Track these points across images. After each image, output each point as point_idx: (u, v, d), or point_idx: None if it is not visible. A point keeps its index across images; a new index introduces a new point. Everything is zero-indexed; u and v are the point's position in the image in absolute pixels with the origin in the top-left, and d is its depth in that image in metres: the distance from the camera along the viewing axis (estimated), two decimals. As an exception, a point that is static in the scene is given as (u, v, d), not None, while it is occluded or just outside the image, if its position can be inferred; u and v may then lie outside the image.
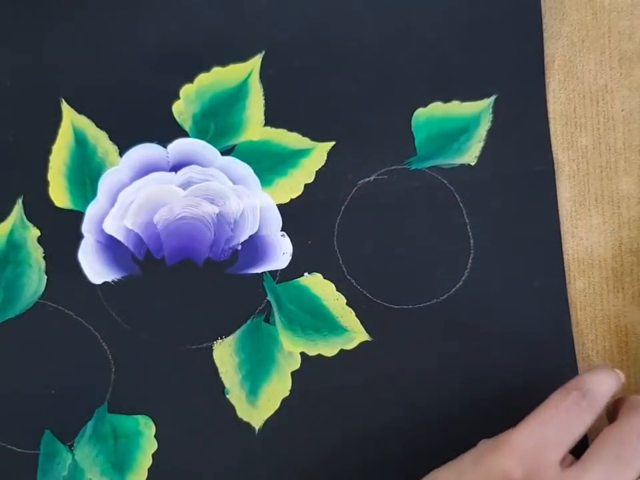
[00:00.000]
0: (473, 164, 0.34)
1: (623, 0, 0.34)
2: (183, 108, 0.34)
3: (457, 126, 0.34)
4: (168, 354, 0.35)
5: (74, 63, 0.34)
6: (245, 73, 0.34)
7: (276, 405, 0.34)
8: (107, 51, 0.34)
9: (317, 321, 0.34)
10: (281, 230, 0.34)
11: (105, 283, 0.35)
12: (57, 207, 0.34)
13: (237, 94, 0.34)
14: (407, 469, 0.34)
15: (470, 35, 0.34)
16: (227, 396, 0.35)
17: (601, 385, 0.29)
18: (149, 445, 0.35)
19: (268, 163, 0.34)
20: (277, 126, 0.34)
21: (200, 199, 0.34)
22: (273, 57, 0.34)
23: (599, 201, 0.34)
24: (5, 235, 0.35)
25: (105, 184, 0.34)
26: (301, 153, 0.34)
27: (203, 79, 0.34)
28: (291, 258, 0.34)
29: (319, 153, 0.34)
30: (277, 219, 0.34)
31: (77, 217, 0.34)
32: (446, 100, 0.34)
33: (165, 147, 0.34)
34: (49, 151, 0.34)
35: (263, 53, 0.34)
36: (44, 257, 0.35)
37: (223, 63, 0.34)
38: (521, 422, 0.29)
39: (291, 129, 0.34)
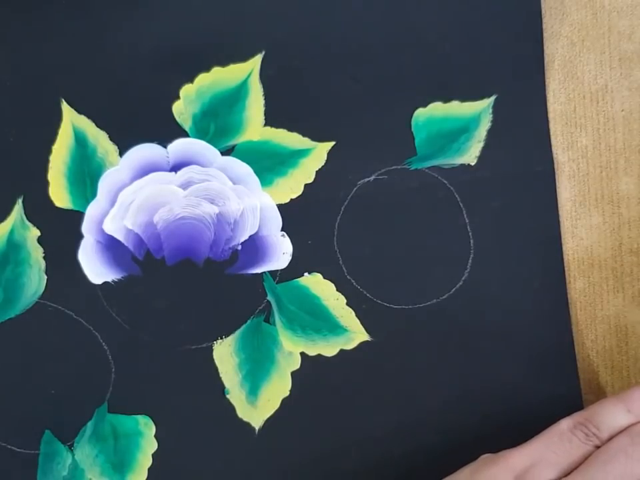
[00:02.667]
0: (472, 164, 0.34)
1: (622, 0, 0.34)
2: (183, 108, 0.34)
3: (457, 126, 0.34)
4: (168, 354, 0.35)
5: (74, 63, 0.34)
6: (245, 73, 0.34)
7: (276, 405, 0.34)
8: (107, 51, 0.34)
9: (317, 321, 0.34)
10: (281, 230, 0.34)
11: (105, 283, 0.35)
12: (57, 207, 0.34)
13: (237, 94, 0.34)
14: (407, 468, 0.34)
15: (470, 35, 0.34)
16: (227, 396, 0.35)
17: (609, 419, 0.29)
18: (149, 445, 0.35)
19: (268, 163, 0.34)
20: (276, 126, 0.34)
21: (200, 199, 0.34)
22: (272, 56, 0.34)
23: (599, 201, 0.34)
24: (5, 235, 0.35)
25: (105, 184, 0.34)
26: (301, 153, 0.34)
27: (202, 78, 0.34)
28: (290, 258, 0.34)
29: (319, 153, 0.34)
30: (277, 219, 0.34)
31: (77, 216, 0.34)
32: (446, 100, 0.34)
33: (165, 147, 0.34)
34: (49, 151, 0.34)
35: (263, 53, 0.34)
36: (44, 257, 0.35)
37: (223, 63, 0.34)
38: (523, 443, 0.29)
39: (291, 129, 0.34)
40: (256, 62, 0.34)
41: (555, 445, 0.29)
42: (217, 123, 0.34)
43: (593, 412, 0.30)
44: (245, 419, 0.35)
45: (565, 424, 0.29)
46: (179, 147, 0.34)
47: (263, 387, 0.35)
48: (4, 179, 0.34)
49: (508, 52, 0.34)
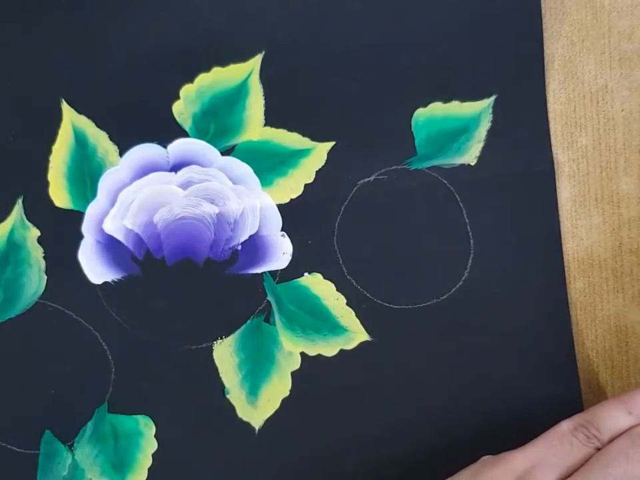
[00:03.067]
0: (472, 164, 0.34)
1: (622, 0, 0.34)
2: (183, 108, 0.34)
3: (457, 126, 0.34)
4: (168, 354, 0.35)
5: (74, 63, 0.34)
6: (245, 73, 0.34)
7: (276, 405, 0.34)
8: (107, 51, 0.34)
9: (317, 321, 0.34)
10: (281, 230, 0.34)
11: (105, 283, 0.35)
12: (57, 207, 0.34)
13: (237, 94, 0.34)
14: (407, 468, 0.34)
15: (470, 35, 0.34)
16: (227, 396, 0.35)
17: (610, 422, 0.29)
18: (149, 445, 0.35)
19: (268, 163, 0.34)
20: (276, 126, 0.34)
21: (200, 199, 0.34)
22: (273, 56, 0.34)
23: (599, 201, 0.34)
24: (5, 235, 0.35)
25: (104, 184, 0.35)
26: (301, 153, 0.34)
27: (202, 78, 0.34)
28: (291, 258, 0.34)
29: (319, 153, 0.34)
30: (277, 219, 0.34)
31: (77, 216, 0.34)
32: (446, 100, 0.34)
33: (165, 147, 0.34)
34: (49, 151, 0.34)
35: (263, 53, 0.34)
36: (44, 257, 0.35)
37: (223, 63, 0.34)
38: (524, 445, 0.29)
39: (291, 129, 0.34)
40: (256, 62, 0.34)
41: (556, 447, 0.29)
42: (217, 123, 0.34)
43: (593, 414, 0.30)
44: (245, 419, 0.35)
45: (565, 426, 0.29)
46: (179, 146, 0.34)
47: (263, 387, 0.35)
48: (4, 179, 0.34)
49: (508, 52, 0.34)
